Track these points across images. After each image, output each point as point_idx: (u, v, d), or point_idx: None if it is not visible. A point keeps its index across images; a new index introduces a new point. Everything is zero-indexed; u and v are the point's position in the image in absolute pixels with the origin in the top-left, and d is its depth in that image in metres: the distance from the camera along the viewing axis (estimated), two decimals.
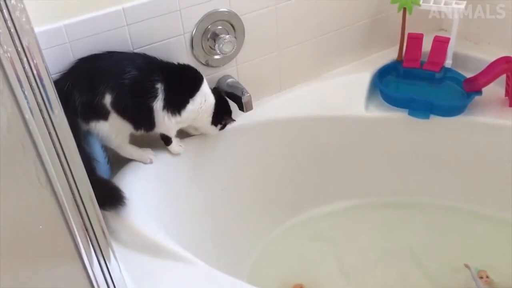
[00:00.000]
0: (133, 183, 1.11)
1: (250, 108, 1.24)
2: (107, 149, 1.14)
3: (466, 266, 1.27)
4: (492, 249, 1.34)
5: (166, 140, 1.19)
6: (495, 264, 1.29)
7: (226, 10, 1.20)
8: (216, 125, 1.23)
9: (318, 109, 1.39)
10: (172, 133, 1.17)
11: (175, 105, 1.12)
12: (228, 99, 1.25)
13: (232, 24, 1.22)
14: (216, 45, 1.20)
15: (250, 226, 1.40)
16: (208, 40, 1.21)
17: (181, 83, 1.13)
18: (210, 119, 1.21)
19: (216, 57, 1.24)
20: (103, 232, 0.64)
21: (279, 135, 1.36)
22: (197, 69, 1.17)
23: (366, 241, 1.42)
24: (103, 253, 0.65)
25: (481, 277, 1.25)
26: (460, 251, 1.34)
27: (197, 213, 1.25)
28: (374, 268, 1.36)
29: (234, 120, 1.26)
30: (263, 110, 1.34)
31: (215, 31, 1.21)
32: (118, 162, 1.16)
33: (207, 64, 1.24)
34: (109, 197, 1.02)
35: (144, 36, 1.13)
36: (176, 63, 1.15)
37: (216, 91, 1.22)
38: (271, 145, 1.35)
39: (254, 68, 1.33)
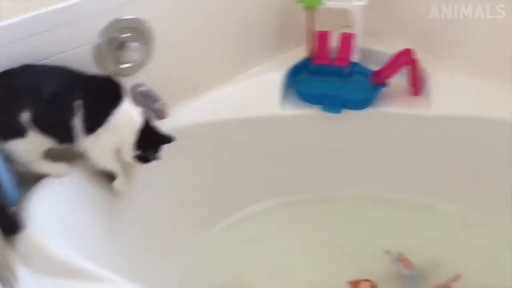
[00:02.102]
0: (45, 202, 1.06)
1: (165, 115, 1.22)
2: (13, 169, 1.07)
3: (387, 252, 1.34)
4: (411, 233, 1.43)
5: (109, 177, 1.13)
6: (414, 247, 1.36)
7: (131, 17, 1.18)
8: (138, 157, 1.13)
9: (235, 112, 1.41)
10: (101, 159, 1.10)
11: (93, 123, 1.06)
12: (160, 130, 1.15)
13: (139, 30, 1.20)
14: (124, 53, 1.17)
15: (176, 236, 1.38)
16: (115, 49, 1.18)
17: (99, 99, 1.07)
18: (132, 146, 1.11)
19: (125, 65, 1.21)
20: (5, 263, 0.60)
21: (197, 141, 1.36)
22: (119, 83, 1.11)
23: (291, 238, 1.45)
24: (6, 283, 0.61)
25: (401, 260, 1.31)
26: (381, 239, 1.41)
27: (118, 229, 1.21)
28: (302, 264, 1.39)
29: (159, 158, 1.16)
30: (179, 117, 1.33)
31: (121, 39, 1.18)
32: (27, 182, 1.10)
33: (116, 74, 1.21)
34: (7, 225, 0.96)
35: (45, 48, 1.08)
36: (97, 76, 1.11)
37: (144, 114, 1.13)
38: (190, 151, 1.35)
39: (167, 74, 1.32)
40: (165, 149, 1.16)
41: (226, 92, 1.44)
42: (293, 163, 1.50)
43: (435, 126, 1.37)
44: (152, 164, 1.17)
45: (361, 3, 1.38)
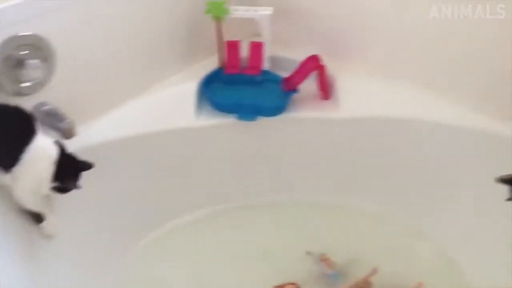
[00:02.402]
0: None
1: (72, 135, 1.17)
2: None
3: (308, 253, 1.37)
4: (329, 233, 1.48)
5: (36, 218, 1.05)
6: (333, 246, 1.41)
7: (29, 33, 1.11)
8: (57, 188, 1.06)
9: (149, 125, 1.38)
10: (24, 201, 1.03)
11: (6, 163, 1.00)
12: (77, 158, 1.10)
13: (39, 47, 1.14)
14: (23, 71, 1.11)
15: (99, 255, 1.33)
16: (13, 67, 1.11)
17: (10, 134, 1.01)
18: (50, 178, 1.04)
19: (26, 84, 1.14)
20: None
21: (110, 157, 1.31)
22: (30, 115, 1.04)
23: (218, 248, 1.45)
24: None
25: (323, 260, 1.35)
26: (303, 241, 1.44)
27: (37, 252, 1.13)
28: (227, 274, 1.39)
29: (79, 187, 1.10)
30: (89, 135, 1.28)
31: (19, 56, 1.11)
32: None
33: (16, 94, 1.14)
34: None
35: None
36: (5, 106, 1.03)
37: (58, 143, 1.08)
38: (103, 169, 1.29)
39: (74, 91, 1.26)
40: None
41: (139, 105, 1.41)
42: (213, 172, 1.50)
43: (344, 127, 1.43)
44: None
45: (267, 13, 1.41)
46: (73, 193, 1.14)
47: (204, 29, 1.48)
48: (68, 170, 1.07)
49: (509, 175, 1.08)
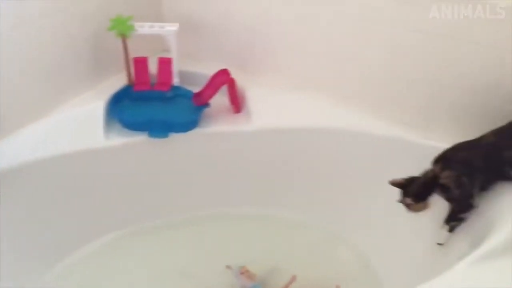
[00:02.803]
0: None
1: None
2: None
3: (228, 267, 1.37)
4: (249, 245, 1.49)
5: None
6: (254, 258, 1.42)
7: None
8: None
9: (57, 146, 1.33)
10: None
11: None
12: None
13: None
14: None
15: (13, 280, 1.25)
16: None
17: None
18: None
19: None
20: None
21: (15, 182, 1.24)
22: None
23: (135, 270, 1.41)
24: None
25: (243, 273, 1.35)
26: (222, 255, 1.44)
27: None
28: None
29: None
30: None
31: None
32: None
33: None
34: None
35: None
36: None
37: None
38: (12, 196, 1.22)
39: None
40: None
41: (46, 126, 1.35)
42: (128, 192, 1.46)
43: (257, 140, 1.45)
44: None
45: (173, 28, 1.41)
46: None
47: (111, 46, 1.45)
48: None
49: (401, 179, 1.14)
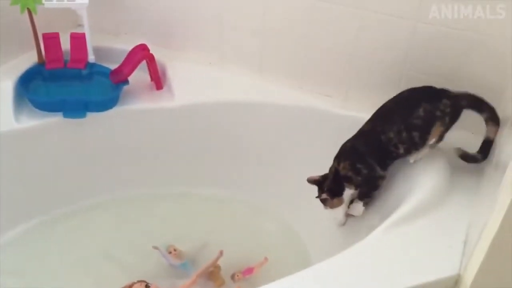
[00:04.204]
0: None
1: None
2: None
3: (154, 247, 1.36)
4: (175, 224, 1.48)
5: None
6: (180, 236, 1.42)
7: None
8: None
9: None
10: None
11: None
12: None
13: None
14: None
15: None
16: None
17: None
18: None
19: None
20: None
21: None
22: None
23: (58, 256, 1.37)
24: None
25: (170, 252, 1.35)
26: (147, 236, 1.42)
27: None
28: (72, 280, 1.32)
29: None
30: None
31: None
32: None
33: None
34: None
35: None
36: None
37: None
38: None
39: None
40: None
41: None
42: (45, 176, 1.41)
43: (180, 116, 1.44)
44: None
45: (84, 1, 1.34)
46: None
47: (19, 22, 1.36)
48: None
49: (317, 176, 1.20)
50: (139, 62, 1.40)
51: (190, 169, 1.53)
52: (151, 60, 1.41)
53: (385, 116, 1.15)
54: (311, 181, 1.20)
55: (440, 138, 1.14)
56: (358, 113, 1.26)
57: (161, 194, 1.52)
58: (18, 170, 1.36)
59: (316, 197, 1.19)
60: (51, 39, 1.39)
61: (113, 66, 1.43)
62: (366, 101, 1.32)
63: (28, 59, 1.42)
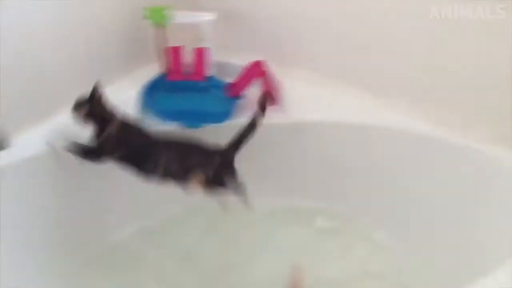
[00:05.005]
0: None
1: (4, 146, 1.11)
2: None
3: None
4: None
5: None
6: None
7: None
8: None
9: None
10: None
11: None
12: None
13: None
14: None
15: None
16: None
17: None
18: None
19: None
20: None
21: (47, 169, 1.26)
22: None
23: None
24: None
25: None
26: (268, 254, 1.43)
27: None
28: None
29: None
30: (25, 146, 1.24)
31: None
32: None
33: None
34: None
35: None
36: None
37: None
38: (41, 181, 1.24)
39: (7, 99, 1.21)
40: None
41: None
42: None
43: (292, 132, 1.45)
44: None
45: (210, 18, 1.41)
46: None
47: (145, 34, 1.46)
48: None
49: None
50: (253, 78, 1.44)
51: (296, 184, 1.53)
52: (265, 77, 1.44)
53: None
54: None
55: None
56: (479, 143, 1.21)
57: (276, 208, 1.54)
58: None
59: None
60: (176, 52, 1.47)
61: (229, 80, 1.48)
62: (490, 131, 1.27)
63: (151, 70, 1.51)
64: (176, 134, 1.26)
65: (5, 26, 1.17)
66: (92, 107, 1.19)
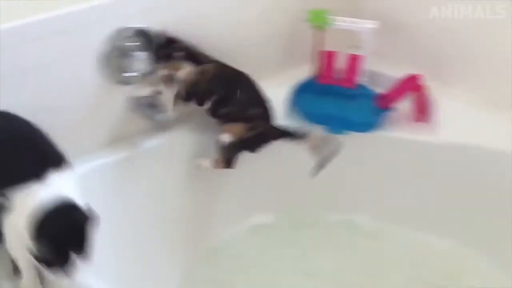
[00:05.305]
0: None
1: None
2: None
3: None
4: None
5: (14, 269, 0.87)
6: None
7: (139, 26, 1.18)
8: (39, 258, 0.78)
9: None
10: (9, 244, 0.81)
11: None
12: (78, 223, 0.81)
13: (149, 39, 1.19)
14: (129, 62, 1.18)
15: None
16: (120, 57, 1.18)
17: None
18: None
19: (129, 74, 1.20)
20: None
21: None
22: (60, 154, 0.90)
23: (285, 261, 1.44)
24: None
25: None
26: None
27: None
28: None
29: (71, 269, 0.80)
30: None
31: (128, 47, 1.18)
32: None
33: (118, 82, 1.20)
34: None
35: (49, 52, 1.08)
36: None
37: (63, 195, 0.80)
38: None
39: None
40: None
41: None
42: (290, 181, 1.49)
43: (439, 153, 1.39)
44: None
45: (372, 26, 1.39)
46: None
47: (302, 36, 1.49)
48: (53, 238, 0.75)
49: None
50: (407, 92, 1.39)
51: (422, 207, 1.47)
52: (420, 92, 1.39)
53: None
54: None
55: None
56: None
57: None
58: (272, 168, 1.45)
59: None
60: (330, 56, 1.48)
61: (380, 91, 1.45)
62: None
63: (302, 71, 1.53)
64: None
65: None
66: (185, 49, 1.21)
